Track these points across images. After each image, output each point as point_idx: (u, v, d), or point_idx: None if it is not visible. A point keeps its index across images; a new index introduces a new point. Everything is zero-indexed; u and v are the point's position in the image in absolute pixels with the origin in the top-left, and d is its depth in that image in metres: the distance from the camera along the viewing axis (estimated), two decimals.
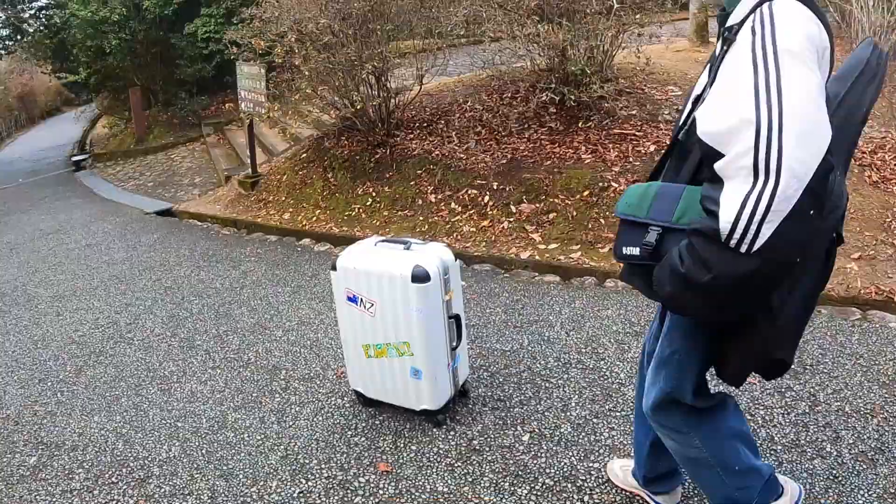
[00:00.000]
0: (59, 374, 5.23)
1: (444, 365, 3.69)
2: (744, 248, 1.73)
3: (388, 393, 3.87)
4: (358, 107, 8.16)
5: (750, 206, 1.69)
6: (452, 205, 7.12)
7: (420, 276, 3.43)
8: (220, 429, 4.05)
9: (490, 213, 6.79)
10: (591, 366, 4.22)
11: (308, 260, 7.12)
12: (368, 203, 7.91)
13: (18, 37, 24.59)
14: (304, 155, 9.57)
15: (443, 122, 8.40)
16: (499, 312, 5.11)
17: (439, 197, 7.34)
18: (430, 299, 3.50)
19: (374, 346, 3.75)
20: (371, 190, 8.04)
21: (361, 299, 3.67)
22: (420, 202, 7.46)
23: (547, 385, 4.05)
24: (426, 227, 7.09)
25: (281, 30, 8.11)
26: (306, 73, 7.87)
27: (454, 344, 3.73)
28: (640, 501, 3.01)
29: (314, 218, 8.25)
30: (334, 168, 8.70)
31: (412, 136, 8.37)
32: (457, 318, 3.73)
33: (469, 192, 7.10)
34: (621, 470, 3.15)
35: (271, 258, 7.36)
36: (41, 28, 22.97)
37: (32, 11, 23.45)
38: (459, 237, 6.64)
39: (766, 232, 1.70)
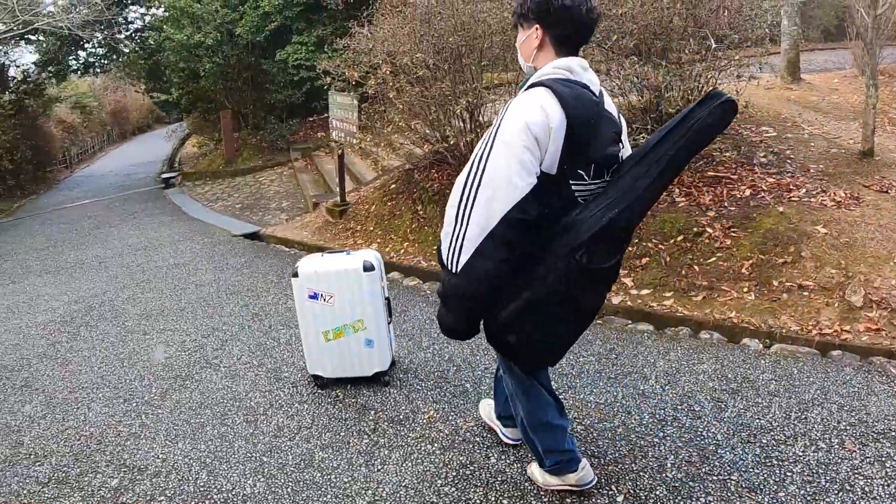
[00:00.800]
0: (143, 396, 5.25)
1: (386, 335, 4.82)
2: (454, 270, 2.68)
3: (345, 368, 4.87)
4: (451, 141, 8.12)
5: (454, 243, 2.67)
6: None
7: (368, 267, 4.64)
8: (307, 467, 3.97)
9: None
10: (687, 424, 4.03)
11: (397, 294, 6.97)
12: None
13: (114, 56, 25.38)
14: (394, 186, 9.55)
15: None
16: (592, 362, 4.94)
17: None
18: (374, 285, 4.69)
19: (333, 329, 4.77)
20: None
21: (321, 294, 4.72)
22: None
23: (642, 443, 3.87)
24: None
25: (375, 61, 8.15)
26: (400, 105, 7.87)
27: (389, 320, 4.89)
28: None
29: (402, 250, 8.21)
30: (424, 201, 8.65)
31: None
32: (388, 300, 4.89)
33: None
34: (486, 407, 4.11)
35: None
36: (136, 49, 23.67)
37: (128, 33, 24.22)
38: None
39: (462, 260, 2.64)
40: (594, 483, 3.43)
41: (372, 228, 9.13)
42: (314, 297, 4.73)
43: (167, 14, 20.04)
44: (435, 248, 7.56)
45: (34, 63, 25.48)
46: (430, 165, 8.99)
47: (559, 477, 3.39)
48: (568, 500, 3.41)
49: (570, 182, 2.68)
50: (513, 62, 7.99)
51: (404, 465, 3.89)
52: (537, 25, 2.76)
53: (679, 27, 6.73)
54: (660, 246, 6.31)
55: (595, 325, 5.63)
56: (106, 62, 26.44)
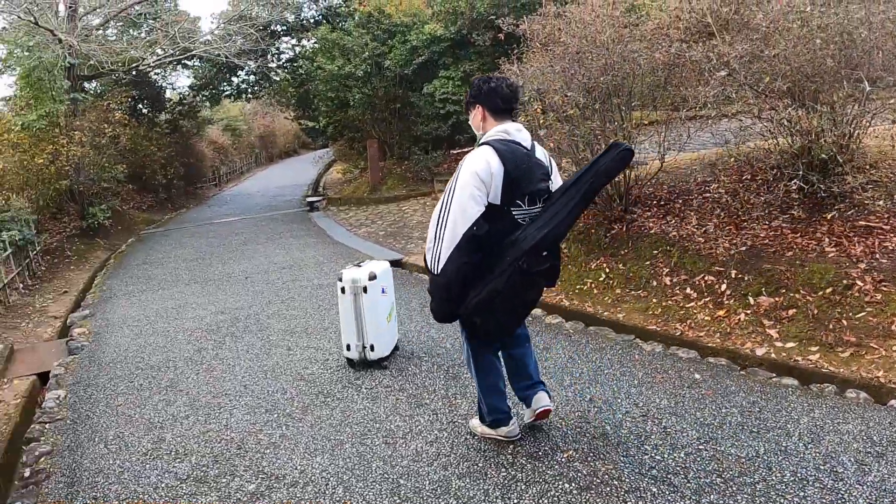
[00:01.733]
0: (285, 408, 5.49)
1: None
2: (436, 271, 3.91)
3: (392, 344, 6.43)
4: None
5: (434, 254, 3.90)
6: (688, 290, 6.84)
7: (392, 264, 6.38)
8: (443, 494, 4.04)
9: (727, 302, 6.46)
10: (828, 485, 3.87)
11: (539, 331, 6.95)
12: (601, 278, 7.77)
13: (266, 84, 26.54)
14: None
15: (680, 201, 8.15)
16: (735, 413, 4.81)
17: (674, 280, 7.09)
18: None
19: (389, 312, 6.40)
20: (605, 265, 7.89)
21: (385, 288, 6.36)
22: (654, 283, 7.24)
23: (782, 502, 3.75)
24: (659, 310, 6.85)
25: (523, 98, 8.25)
26: (550, 144, 7.94)
27: None
28: None
29: (582, 295, 8.18)
30: (568, 239, 8.56)
31: (649, 213, 8.16)
32: None
33: (706, 278, 6.81)
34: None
35: None
36: (287, 78, 24.76)
37: (280, 62, 25.29)
38: (693, 325, 6.37)
39: (440, 265, 3.85)
40: (519, 436, 4.59)
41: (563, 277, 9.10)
42: (384, 290, 6.32)
43: (318, 46, 20.88)
44: (578, 286, 7.63)
45: (189, 87, 27.15)
46: None
47: (494, 430, 4.61)
48: None
49: (511, 209, 3.94)
50: (662, 101, 7.95)
51: (540, 501, 3.90)
52: (478, 105, 4.15)
53: (832, 69, 6.54)
54: (807, 297, 6.11)
55: (738, 376, 5.50)
56: (257, 89, 27.72)
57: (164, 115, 26.61)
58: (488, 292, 3.91)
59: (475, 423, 4.78)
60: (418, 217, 15.13)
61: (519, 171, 3.86)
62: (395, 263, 10.64)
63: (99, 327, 8.85)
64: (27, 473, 4.96)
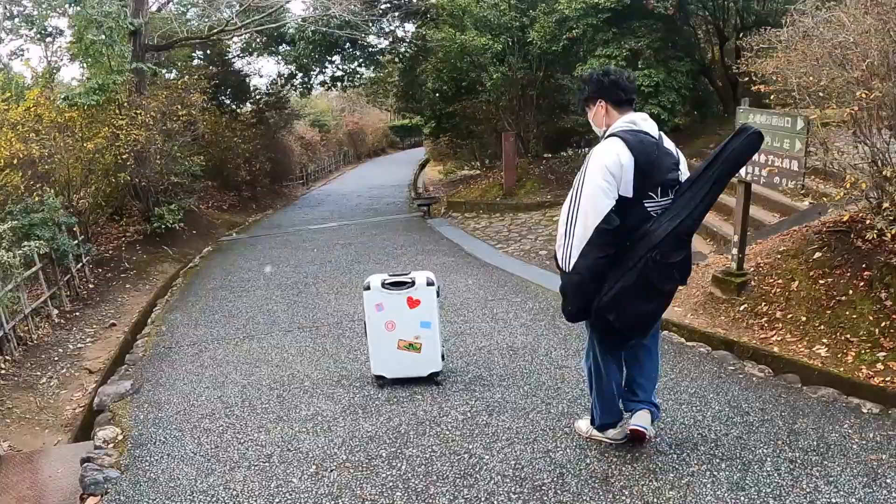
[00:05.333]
0: None
1: None
2: (568, 269, 3.79)
3: None
4: None
5: (565, 250, 3.78)
6: None
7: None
8: None
9: None
10: None
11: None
12: None
13: (369, 64, 24.52)
14: (818, 254, 6.12)
15: None
16: None
17: None
18: None
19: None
20: None
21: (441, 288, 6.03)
22: None
23: None
24: None
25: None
26: None
27: None
28: None
29: (878, 363, 4.91)
30: (888, 283, 5.29)
31: None
32: None
33: None
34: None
35: None
36: (394, 59, 23.41)
37: (387, 42, 23.42)
38: None
39: (572, 262, 3.74)
40: (624, 440, 4.30)
41: (804, 318, 5.67)
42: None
43: (435, 19, 18.08)
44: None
45: (278, 73, 24.87)
46: (869, 224, 5.51)
47: (602, 433, 4.41)
48: None
49: (644, 202, 3.74)
50: None
51: None
52: (600, 100, 3.97)
53: None
54: None
55: None
56: (356, 76, 25.10)
57: (249, 106, 24.48)
58: (621, 287, 3.74)
59: (582, 424, 4.58)
60: None
61: (649, 161, 3.73)
62: None
63: (142, 430, 5.19)
64: None
